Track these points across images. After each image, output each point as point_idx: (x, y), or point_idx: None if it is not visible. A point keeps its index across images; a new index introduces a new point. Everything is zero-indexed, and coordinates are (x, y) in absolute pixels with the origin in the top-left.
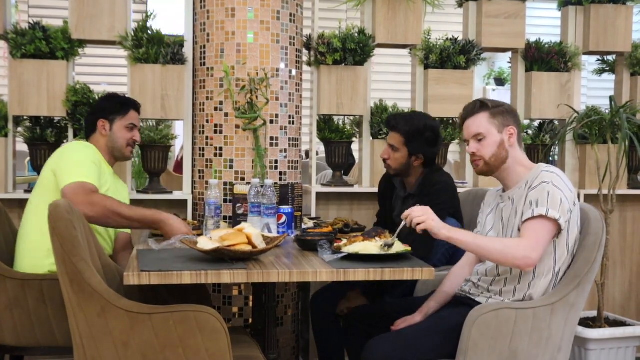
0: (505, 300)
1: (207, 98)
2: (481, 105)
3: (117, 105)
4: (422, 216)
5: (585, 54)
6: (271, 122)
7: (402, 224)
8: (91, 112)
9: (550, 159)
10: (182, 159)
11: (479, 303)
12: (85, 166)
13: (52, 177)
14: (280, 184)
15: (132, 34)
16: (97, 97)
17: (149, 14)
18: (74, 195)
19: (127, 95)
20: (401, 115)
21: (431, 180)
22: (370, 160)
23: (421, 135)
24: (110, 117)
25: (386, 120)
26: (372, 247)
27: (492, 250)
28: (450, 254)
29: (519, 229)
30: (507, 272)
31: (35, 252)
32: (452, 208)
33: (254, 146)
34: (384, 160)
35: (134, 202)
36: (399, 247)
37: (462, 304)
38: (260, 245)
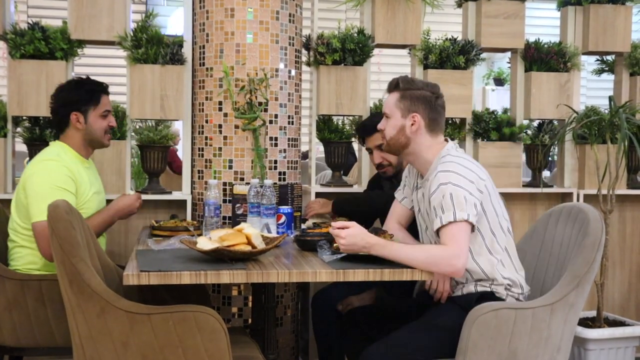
0: (474, 283)
1: (207, 98)
2: (396, 84)
3: (88, 94)
4: (345, 245)
5: (584, 54)
6: (270, 122)
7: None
8: (60, 105)
9: (550, 159)
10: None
11: (458, 297)
12: (50, 196)
13: (25, 200)
14: (280, 184)
15: (131, 34)
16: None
17: (149, 13)
18: (40, 236)
19: (92, 78)
20: (370, 117)
21: (378, 179)
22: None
23: None
24: (82, 108)
25: (362, 130)
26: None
27: (420, 262)
28: None
29: (435, 232)
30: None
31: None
32: None
33: (253, 146)
34: (380, 165)
35: None
36: None
37: (454, 304)
38: (260, 245)
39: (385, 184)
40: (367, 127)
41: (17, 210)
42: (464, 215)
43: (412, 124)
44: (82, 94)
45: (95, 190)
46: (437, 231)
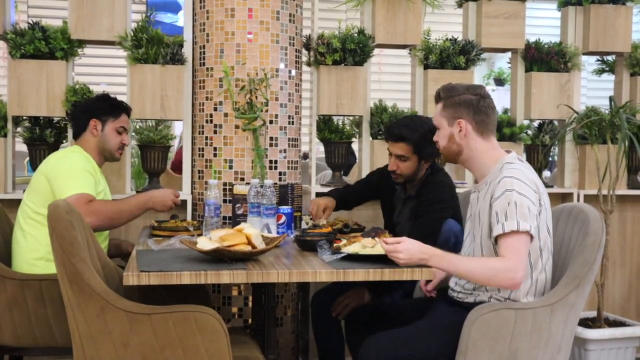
0: (493, 296)
1: (207, 98)
2: (438, 95)
3: (110, 107)
4: (404, 259)
5: (584, 54)
6: (270, 122)
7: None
8: (83, 110)
9: (550, 159)
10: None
11: (469, 303)
12: (81, 176)
13: (46, 184)
14: (280, 184)
15: (132, 34)
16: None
17: (149, 14)
18: (76, 207)
19: (118, 98)
20: (401, 123)
21: (432, 181)
22: (370, 160)
23: (427, 139)
24: (102, 117)
25: (388, 131)
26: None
27: (477, 275)
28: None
29: (489, 237)
30: None
31: (28, 256)
32: (451, 209)
33: (253, 146)
34: (393, 172)
35: None
36: None
37: (455, 304)
38: (260, 245)
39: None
40: (393, 135)
41: (30, 194)
42: (526, 226)
43: (460, 130)
44: (106, 105)
45: (101, 189)
46: (496, 238)
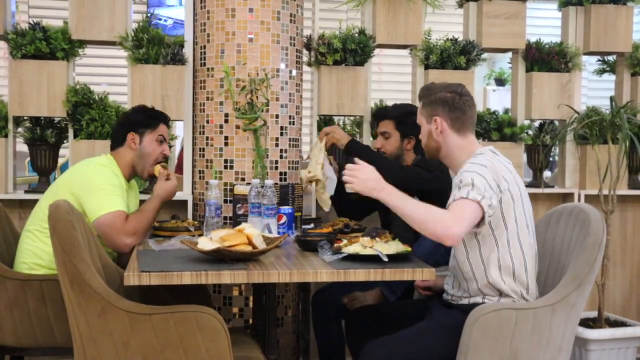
0: (482, 296)
1: (208, 98)
2: (419, 95)
3: (147, 119)
4: (359, 179)
5: (585, 54)
6: (271, 122)
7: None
8: (121, 125)
9: (551, 159)
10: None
11: (464, 305)
12: (112, 193)
13: (72, 199)
14: (281, 184)
15: (132, 35)
16: (96, 97)
17: (149, 14)
18: (112, 228)
19: (155, 108)
20: (387, 106)
21: (425, 161)
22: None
23: (410, 117)
24: (140, 130)
25: (374, 114)
26: (358, 247)
27: (417, 217)
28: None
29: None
30: (467, 271)
31: (29, 260)
32: (439, 179)
33: (254, 146)
34: (378, 150)
35: None
36: (399, 247)
37: (455, 305)
38: (261, 245)
39: None
40: (378, 114)
41: (50, 201)
42: (477, 196)
43: (437, 128)
44: (143, 117)
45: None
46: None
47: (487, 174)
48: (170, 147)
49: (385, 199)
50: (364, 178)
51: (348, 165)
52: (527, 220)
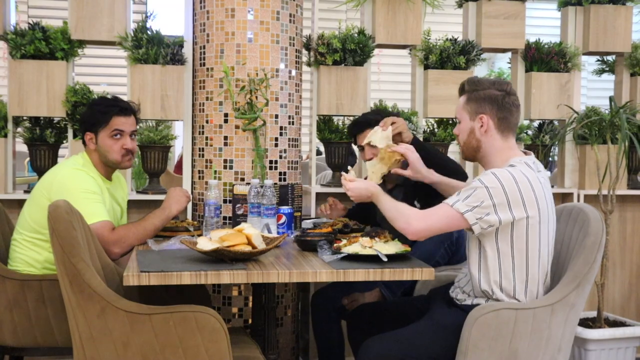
0: (485, 299)
1: (207, 98)
2: (462, 88)
3: (98, 114)
4: (351, 196)
5: (585, 54)
6: (271, 122)
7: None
8: (80, 124)
9: (550, 159)
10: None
11: (467, 305)
12: (91, 200)
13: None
14: (280, 184)
15: (132, 35)
16: (96, 97)
17: (149, 14)
18: (100, 237)
19: (116, 96)
20: (362, 115)
21: None
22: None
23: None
24: (93, 128)
25: (352, 127)
26: (357, 248)
27: (388, 212)
28: (452, 252)
29: (472, 232)
30: (475, 274)
31: (26, 266)
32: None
33: (253, 146)
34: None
35: (133, 203)
36: (398, 247)
37: (455, 304)
38: (260, 245)
39: None
40: (360, 123)
41: (32, 212)
42: (461, 208)
43: (481, 126)
44: (93, 114)
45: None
46: None
47: (496, 190)
48: (169, 147)
49: (376, 201)
50: (357, 193)
51: (342, 178)
52: (548, 239)
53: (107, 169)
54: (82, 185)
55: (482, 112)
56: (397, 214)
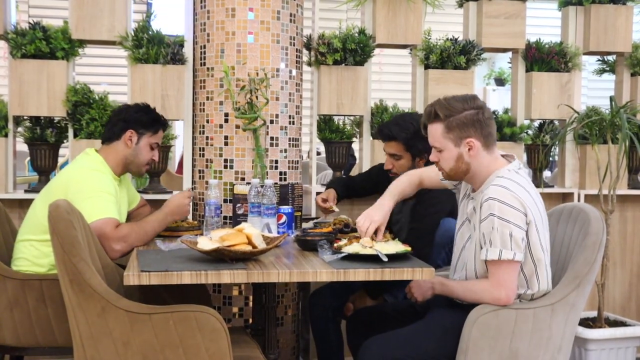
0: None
1: (207, 98)
2: (434, 115)
3: (151, 121)
4: (416, 297)
5: (585, 54)
6: (271, 122)
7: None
8: (121, 119)
9: (551, 159)
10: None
11: (468, 305)
12: (104, 199)
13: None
14: (280, 184)
15: (132, 34)
16: (96, 97)
17: (149, 14)
18: (101, 234)
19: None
20: (391, 122)
21: (427, 199)
22: (371, 160)
23: (418, 135)
24: (140, 130)
25: (379, 131)
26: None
27: (469, 299)
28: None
29: (480, 248)
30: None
31: (32, 267)
32: (447, 208)
33: (254, 146)
34: (389, 170)
35: None
36: (399, 247)
37: (455, 305)
38: (260, 245)
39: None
40: (383, 134)
41: (46, 211)
42: (509, 255)
43: (470, 149)
44: (147, 119)
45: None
46: (485, 261)
47: (510, 214)
48: (169, 147)
49: (440, 292)
50: (421, 292)
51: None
52: (546, 238)
53: (123, 169)
54: (100, 185)
55: (467, 136)
56: (477, 295)
